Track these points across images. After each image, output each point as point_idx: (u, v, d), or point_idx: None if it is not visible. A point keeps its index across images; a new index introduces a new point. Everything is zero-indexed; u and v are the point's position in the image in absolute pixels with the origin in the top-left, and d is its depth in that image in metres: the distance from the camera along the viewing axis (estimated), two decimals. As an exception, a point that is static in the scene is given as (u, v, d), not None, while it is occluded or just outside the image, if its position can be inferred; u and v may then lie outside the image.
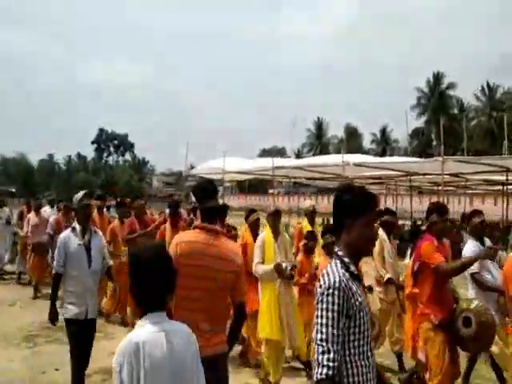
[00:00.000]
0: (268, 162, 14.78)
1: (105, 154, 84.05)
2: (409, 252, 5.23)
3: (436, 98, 54.58)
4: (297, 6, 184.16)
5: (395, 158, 20.84)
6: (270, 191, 19.85)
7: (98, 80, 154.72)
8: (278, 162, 15.77)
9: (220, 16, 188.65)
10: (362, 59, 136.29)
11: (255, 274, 5.02)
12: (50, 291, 4.46)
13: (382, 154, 52.57)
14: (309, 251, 5.79)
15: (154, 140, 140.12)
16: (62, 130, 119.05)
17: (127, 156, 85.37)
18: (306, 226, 6.66)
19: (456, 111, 54.36)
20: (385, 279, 5.49)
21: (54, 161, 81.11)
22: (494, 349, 4.55)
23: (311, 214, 6.96)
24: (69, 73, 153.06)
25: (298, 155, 66.51)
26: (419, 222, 20.50)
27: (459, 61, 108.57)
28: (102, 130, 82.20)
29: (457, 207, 24.65)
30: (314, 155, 62.48)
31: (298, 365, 5.64)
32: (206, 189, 3.02)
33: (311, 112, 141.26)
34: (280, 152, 70.91)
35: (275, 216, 5.16)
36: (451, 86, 55.36)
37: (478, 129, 50.10)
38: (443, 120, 16.10)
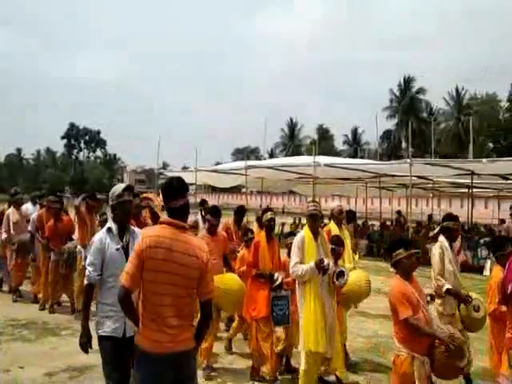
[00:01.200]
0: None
1: (75, 150, 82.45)
2: (488, 264, 4.92)
3: (406, 102, 55.69)
4: (272, 8, 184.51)
5: (365, 160, 21.24)
6: (243, 190, 19.84)
7: (70, 75, 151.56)
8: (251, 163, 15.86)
9: (196, 17, 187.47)
10: (336, 61, 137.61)
11: (293, 276, 4.77)
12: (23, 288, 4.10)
13: (354, 155, 53.31)
14: (336, 257, 5.13)
15: (127, 137, 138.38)
16: (30, 124, 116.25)
17: (98, 152, 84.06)
18: (333, 229, 5.99)
19: (425, 115, 55.54)
20: (443, 290, 4.94)
21: (22, 156, 79.20)
22: None
23: (338, 216, 6.24)
24: (40, 67, 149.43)
25: (272, 155, 66.81)
26: (388, 223, 20.97)
27: (430, 65, 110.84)
28: (72, 125, 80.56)
29: (425, 209, 25.24)
30: (286, 155, 62.95)
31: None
32: (174, 186, 2.99)
33: (285, 112, 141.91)
34: (253, 152, 71.16)
35: (315, 217, 4.86)
36: (421, 90, 56.59)
37: (446, 132, 51.33)
38: (413, 123, 16.44)
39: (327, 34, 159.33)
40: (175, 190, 2.97)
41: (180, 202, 2.93)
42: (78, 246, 7.47)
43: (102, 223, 7.28)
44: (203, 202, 8.96)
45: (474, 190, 17.53)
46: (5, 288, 9.16)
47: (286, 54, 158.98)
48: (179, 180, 3.07)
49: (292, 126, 67.37)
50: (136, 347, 2.84)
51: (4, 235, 8.86)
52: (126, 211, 3.70)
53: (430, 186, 18.50)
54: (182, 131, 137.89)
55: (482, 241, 16.08)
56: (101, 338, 3.49)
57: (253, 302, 5.25)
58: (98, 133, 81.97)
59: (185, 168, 40.58)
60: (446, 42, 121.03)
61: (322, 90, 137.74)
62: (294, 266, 4.67)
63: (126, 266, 2.88)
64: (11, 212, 8.87)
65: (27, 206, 9.63)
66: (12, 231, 8.70)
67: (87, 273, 3.53)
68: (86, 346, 3.48)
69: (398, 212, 20.25)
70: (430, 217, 20.23)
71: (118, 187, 3.74)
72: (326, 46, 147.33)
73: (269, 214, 5.46)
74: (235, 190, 35.75)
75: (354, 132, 62.91)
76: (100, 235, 3.59)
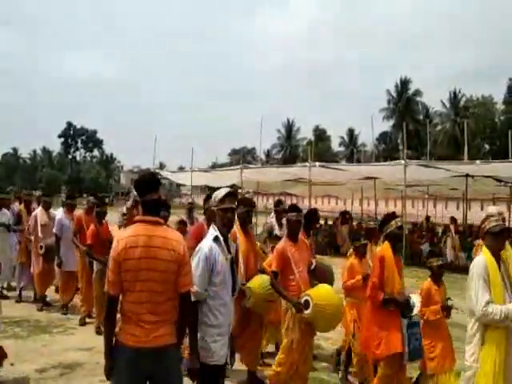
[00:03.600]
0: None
1: (72, 150, 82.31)
2: None
3: (403, 103, 55.84)
4: (270, 8, 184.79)
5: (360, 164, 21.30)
6: (239, 191, 19.84)
7: (69, 74, 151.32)
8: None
9: (194, 16, 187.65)
10: (335, 62, 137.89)
11: (485, 320, 3.41)
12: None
13: (350, 156, 53.39)
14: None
15: (124, 137, 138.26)
16: (27, 123, 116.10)
17: (95, 152, 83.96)
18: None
19: (422, 117, 55.71)
20: None
21: (19, 155, 79.01)
22: None
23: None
24: (37, 66, 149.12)
25: (268, 156, 66.84)
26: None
27: (427, 67, 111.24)
28: (70, 124, 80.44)
29: (421, 211, 25.31)
30: (283, 156, 62.99)
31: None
32: (148, 181, 3.00)
33: (282, 113, 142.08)
34: (250, 152, 71.14)
35: (503, 234, 3.59)
36: (417, 92, 56.76)
37: (442, 135, 51.51)
38: (410, 125, 16.49)
39: (325, 34, 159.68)
40: (148, 184, 2.98)
41: (153, 197, 2.94)
42: None
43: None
44: (279, 203, 6.95)
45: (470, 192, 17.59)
46: (28, 293, 8.44)
47: (284, 54, 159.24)
48: (152, 175, 3.14)
49: (289, 127, 67.43)
50: (115, 339, 2.86)
51: (32, 238, 8.14)
52: (231, 218, 3.45)
53: (421, 188, 18.44)
54: (179, 131, 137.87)
55: (475, 242, 16.16)
56: (206, 367, 3.11)
57: (379, 334, 4.18)
58: (95, 132, 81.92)
59: (181, 168, 40.60)
60: (443, 43, 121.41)
61: (319, 90, 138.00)
62: (486, 305, 3.38)
63: (107, 275, 2.91)
64: (39, 214, 8.17)
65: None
66: (40, 234, 7.97)
67: (194, 289, 3.04)
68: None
69: (393, 213, 20.34)
70: (428, 218, 20.36)
71: (221, 192, 3.45)
72: (323, 46, 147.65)
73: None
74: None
75: (351, 133, 63.02)
76: (209, 245, 3.20)
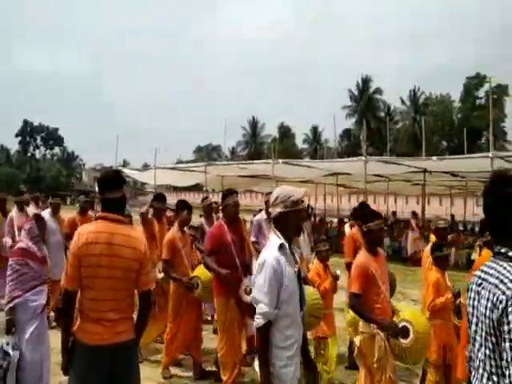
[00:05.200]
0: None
1: (31, 148, 79.79)
2: None
3: (364, 101, 56.93)
4: (235, 6, 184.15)
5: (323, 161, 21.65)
6: (205, 189, 19.81)
7: (28, 70, 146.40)
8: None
9: (158, 16, 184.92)
10: (298, 60, 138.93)
11: None
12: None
13: (314, 153, 54.05)
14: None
15: (87, 135, 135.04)
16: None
17: (56, 150, 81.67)
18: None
19: (383, 114, 56.95)
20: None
21: (-25, 153, 76.07)
22: None
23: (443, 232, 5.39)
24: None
25: (233, 153, 66.82)
26: (346, 220, 21.44)
27: (387, 66, 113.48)
28: (26, 122, 77.87)
29: (382, 206, 25.91)
30: (248, 153, 63.14)
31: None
32: (110, 179, 2.98)
33: (247, 110, 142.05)
34: (215, 149, 70.96)
35: None
36: (378, 90, 57.98)
37: (402, 132, 52.82)
38: (371, 122, 16.88)
39: (289, 32, 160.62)
40: (111, 182, 2.95)
41: (116, 195, 2.92)
42: None
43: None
44: (362, 206, 6.25)
45: (428, 187, 18.16)
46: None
47: (249, 52, 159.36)
48: (116, 172, 3.09)
49: (254, 124, 67.58)
50: (73, 338, 2.84)
51: (8, 242, 7.26)
52: (301, 223, 2.96)
53: (383, 184, 18.91)
54: (142, 129, 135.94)
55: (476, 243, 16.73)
56: None
57: None
58: (56, 130, 79.64)
59: (145, 166, 40.02)
60: (403, 42, 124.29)
61: (284, 88, 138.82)
62: None
63: (65, 268, 2.89)
64: (15, 216, 7.52)
65: (30, 209, 8.33)
66: (17, 238, 7.09)
67: (263, 309, 2.60)
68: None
69: (355, 209, 20.80)
70: (395, 213, 20.94)
71: (293, 191, 2.80)
72: (288, 44, 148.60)
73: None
74: (195, 188, 35.60)
75: (314, 130, 63.74)
76: (274, 255, 2.65)
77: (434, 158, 13.05)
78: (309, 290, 4.06)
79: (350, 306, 3.92)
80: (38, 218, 4.66)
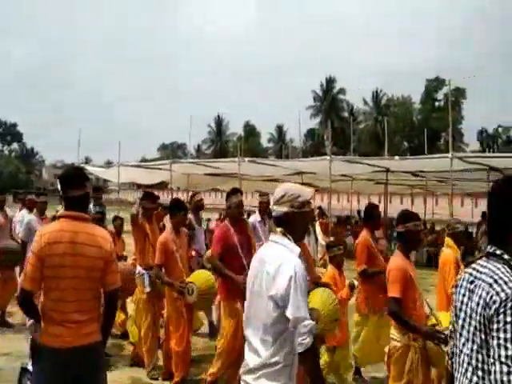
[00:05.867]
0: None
1: (-14, 143, 76.95)
2: None
3: (328, 101, 57.81)
4: (198, 7, 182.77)
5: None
6: (170, 187, 19.65)
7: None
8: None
9: (126, 14, 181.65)
10: (263, 59, 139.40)
11: None
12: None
13: (279, 152, 54.41)
14: None
15: (46, 130, 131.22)
16: None
17: (15, 146, 79.05)
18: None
19: (346, 114, 58.00)
20: None
21: None
22: None
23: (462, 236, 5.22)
24: None
25: (199, 151, 66.48)
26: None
27: (351, 67, 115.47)
28: (-18, 117, 75.10)
29: (346, 205, 26.41)
30: (213, 151, 62.98)
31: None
32: (72, 176, 2.91)
33: (213, 109, 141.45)
34: (180, 147, 70.39)
35: None
36: (342, 90, 59.03)
37: (365, 132, 53.98)
38: (335, 122, 17.21)
39: (255, 31, 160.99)
40: (74, 179, 2.87)
41: (79, 192, 2.84)
42: (139, 268, 5.52)
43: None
44: (371, 207, 5.71)
45: (390, 186, 18.61)
46: None
47: (214, 50, 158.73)
48: (78, 169, 3.02)
49: (219, 122, 67.43)
50: (35, 342, 2.77)
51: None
52: (307, 226, 2.77)
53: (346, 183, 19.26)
54: (105, 125, 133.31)
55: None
56: None
57: None
58: (15, 125, 77.08)
59: (108, 163, 39.29)
60: (366, 43, 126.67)
61: (249, 87, 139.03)
62: None
63: (24, 268, 2.79)
64: None
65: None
66: None
67: (310, 324, 2.28)
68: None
69: (319, 207, 21.15)
70: (359, 212, 21.35)
71: (302, 190, 2.53)
72: (254, 44, 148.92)
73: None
74: (160, 186, 35.22)
75: (279, 130, 64.19)
76: (298, 263, 2.35)
77: (396, 157, 13.39)
78: (325, 293, 3.92)
79: (390, 311, 3.56)
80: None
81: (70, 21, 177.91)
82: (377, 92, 57.17)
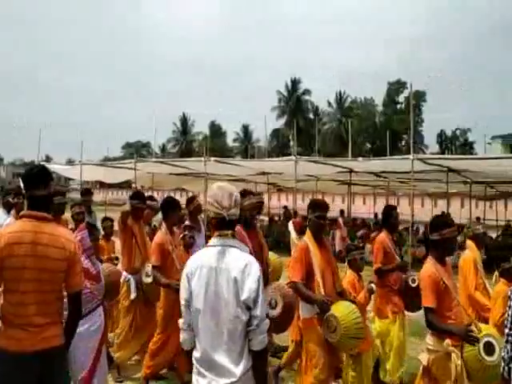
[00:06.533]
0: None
1: None
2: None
3: (293, 102, 58.41)
4: (163, 5, 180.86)
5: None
6: (133, 186, 19.37)
7: None
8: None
9: (85, 7, 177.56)
10: (230, 58, 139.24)
11: None
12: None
13: (245, 152, 54.54)
14: None
15: (5, 128, 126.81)
16: None
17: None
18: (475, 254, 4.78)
19: (311, 115, 58.74)
20: None
21: None
22: None
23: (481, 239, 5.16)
24: None
25: (163, 150, 65.74)
26: (276, 218, 21.98)
27: (315, 68, 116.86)
28: None
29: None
30: (179, 151, 62.44)
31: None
32: (35, 175, 2.83)
33: (179, 108, 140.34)
34: (145, 146, 69.38)
35: None
36: (306, 92, 59.82)
37: (330, 133, 54.82)
38: (300, 123, 17.42)
39: (221, 30, 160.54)
40: (36, 178, 2.81)
41: (42, 192, 2.78)
42: (124, 273, 5.22)
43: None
44: (389, 209, 5.51)
45: (353, 186, 19.01)
46: None
47: (179, 47, 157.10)
48: (42, 168, 2.93)
49: (184, 121, 66.91)
50: None
51: None
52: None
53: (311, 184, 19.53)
54: (67, 123, 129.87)
55: (358, 233, 17.70)
56: None
57: None
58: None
59: (70, 162, 38.40)
60: (331, 45, 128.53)
61: (215, 86, 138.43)
62: None
63: None
64: None
65: None
66: None
67: (267, 327, 2.44)
68: None
69: (285, 207, 21.41)
70: (342, 212, 21.67)
71: (234, 189, 2.65)
72: (220, 42, 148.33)
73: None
74: (124, 185, 34.69)
75: (245, 129, 64.32)
76: (255, 260, 2.51)
77: (360, 158, 13.69)
78: (350, 307, 3.85)
79: (426, 323, 3.46)
80: (91, 227, 4.05)
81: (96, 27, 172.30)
82: (340, 94, 58.21)
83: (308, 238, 4.09)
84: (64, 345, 2.80)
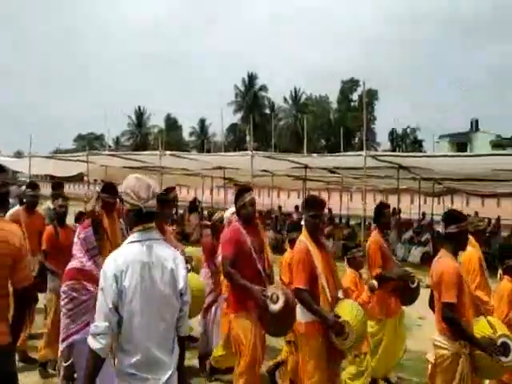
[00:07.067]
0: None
1: None
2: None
3: (250, 98, 58.57)
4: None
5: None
6: (87, 179, 18.88)
7: None
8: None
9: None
10: (186, 52, 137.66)
11: None
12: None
13: (201, 146, 54.20)
14: None
15: None
16: None
17: None
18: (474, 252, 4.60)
19: (268, 111, 59.09)
20: None
21: None
22: None
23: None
24: None
25: (117, 143, 64.31)
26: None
27: (272, 64, 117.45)
28: None
29: (267, 200, 26.96)
30: (133, 144, 61.26)
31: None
32: None
33: (134, 101, 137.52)
34: (98, 139, 67.56)
35: None
36: (263, 87, 60.10)
37: (285, 129, 55.37)
38: (257, 118, 17.48)
39: (176, 24, 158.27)
40: None
41: None
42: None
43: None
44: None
45: (308, 181, 19.29)
46: None
47: (134, 41, 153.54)
48: None
49: (140, 114, 65.66)
50: None
51: None
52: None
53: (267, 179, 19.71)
54: (15, 114, 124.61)
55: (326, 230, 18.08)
56: None
57: None
58: None
59: (18, 154, 36.98)
60: (289, 43, 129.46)
61: (172, 80, 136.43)
62: None
63: None
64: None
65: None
66: None
67: None
68: None
69: (378, 209, 21.30)
70: (280, 207, 21.88)
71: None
72: (175, 36, 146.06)
73: None
74: (76, 179, 33.71)
75: (202, 124, 63.87)
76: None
77: (315, 155, 13.96)
78: (355, 307, 3.75)
79: (445, 317, 3.38)
80: (96, 221, 3.71)
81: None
82: (295, 90, 58.86)
83: (306, 238, 3.86)
84: (11, 344, 2.71)
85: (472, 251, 4.53)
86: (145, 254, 2.38)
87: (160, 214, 4.40)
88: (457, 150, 40.94)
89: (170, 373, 2.39)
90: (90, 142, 53.53)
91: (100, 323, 2.31)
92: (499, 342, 3.27)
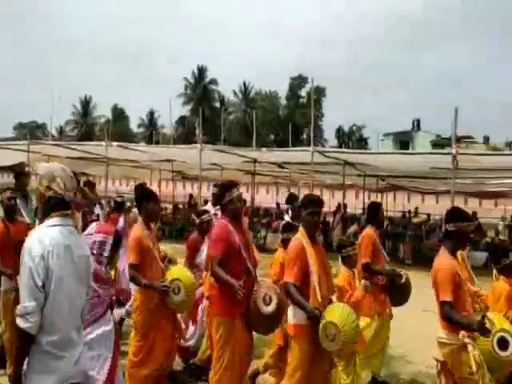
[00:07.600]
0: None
1: None
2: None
3: (200, 90, 58.13)
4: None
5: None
6: (27, 170, 18.03)
7: None
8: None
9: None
10: (135, 41, 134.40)
11: None
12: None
13: (150, 138, 53.23)
14: None
15: None
16: None
17: None
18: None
19: (217, 104, 58.86)
20: None
21: None
22: None
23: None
24: None
25: (61, 133, 61.97)
26: (180, 206, 21.87)
27: (223, 58, 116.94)
28: None
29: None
30: (79, 134, 59.27)
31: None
32: None
33: (79, 90, 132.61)
34: (40, 127, 64.79)
35: None
36: (213, 81, 59.80)
37: (235, 123, 55.44)
38: (206, 111, 17.42)
39: (132, 14, 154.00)
40: None
41: None
42: None
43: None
44: (374, 205, 5.56)
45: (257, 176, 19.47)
46: None
47: (85, 32, 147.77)
48: None
49: (85, 103, 63.52)
50: None
51: None
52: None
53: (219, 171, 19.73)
54: None
55: (262, 221, 18.42)
56: None
57: None
58: None
59: (-49, 141, 34.76)
60: (240, 37, 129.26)
61: (119, 70, 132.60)
62: None
63: None
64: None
65: None
66: None
67: None
68: None
69: (190, 195, 21.33)
70: (278, 204, 21.93)
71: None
72: (128, 26, 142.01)
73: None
74: (17, 169, 32.26)
75: (151, 115, 62.71)
76: None
77: (264, 149, 14.11)
78: (345, 311, 3.61)
79: (443, 316, 3.41)
80: (119, 236, 3.60)
81: None
82: (245, 85, 58.99)
83: (302, 236, 3.79)
84: None
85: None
86: (67, 238, 2.45)
87: (145, 210, 4.37)
88: (400, 148, 42.41)
89: (80, 349, 2.52)
90: (31, 131, 51.29)
91: (28, 303, 2.32)
92: (497, 336, 3.28)
